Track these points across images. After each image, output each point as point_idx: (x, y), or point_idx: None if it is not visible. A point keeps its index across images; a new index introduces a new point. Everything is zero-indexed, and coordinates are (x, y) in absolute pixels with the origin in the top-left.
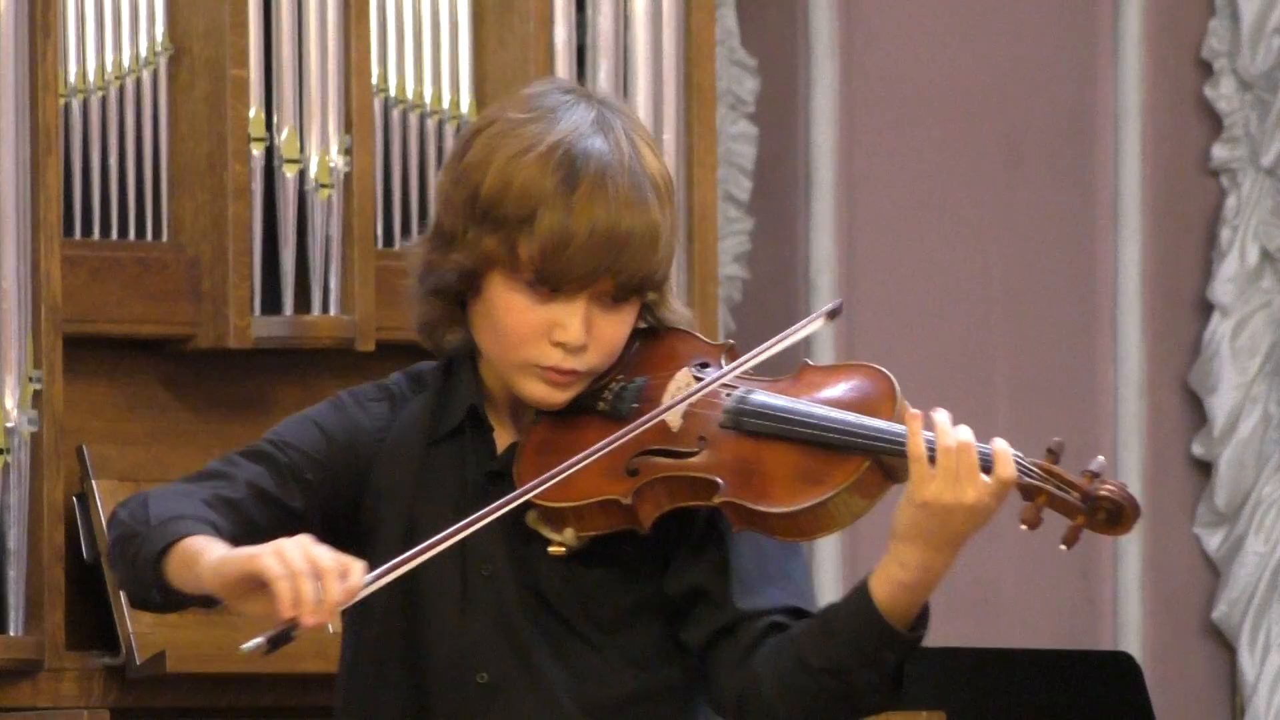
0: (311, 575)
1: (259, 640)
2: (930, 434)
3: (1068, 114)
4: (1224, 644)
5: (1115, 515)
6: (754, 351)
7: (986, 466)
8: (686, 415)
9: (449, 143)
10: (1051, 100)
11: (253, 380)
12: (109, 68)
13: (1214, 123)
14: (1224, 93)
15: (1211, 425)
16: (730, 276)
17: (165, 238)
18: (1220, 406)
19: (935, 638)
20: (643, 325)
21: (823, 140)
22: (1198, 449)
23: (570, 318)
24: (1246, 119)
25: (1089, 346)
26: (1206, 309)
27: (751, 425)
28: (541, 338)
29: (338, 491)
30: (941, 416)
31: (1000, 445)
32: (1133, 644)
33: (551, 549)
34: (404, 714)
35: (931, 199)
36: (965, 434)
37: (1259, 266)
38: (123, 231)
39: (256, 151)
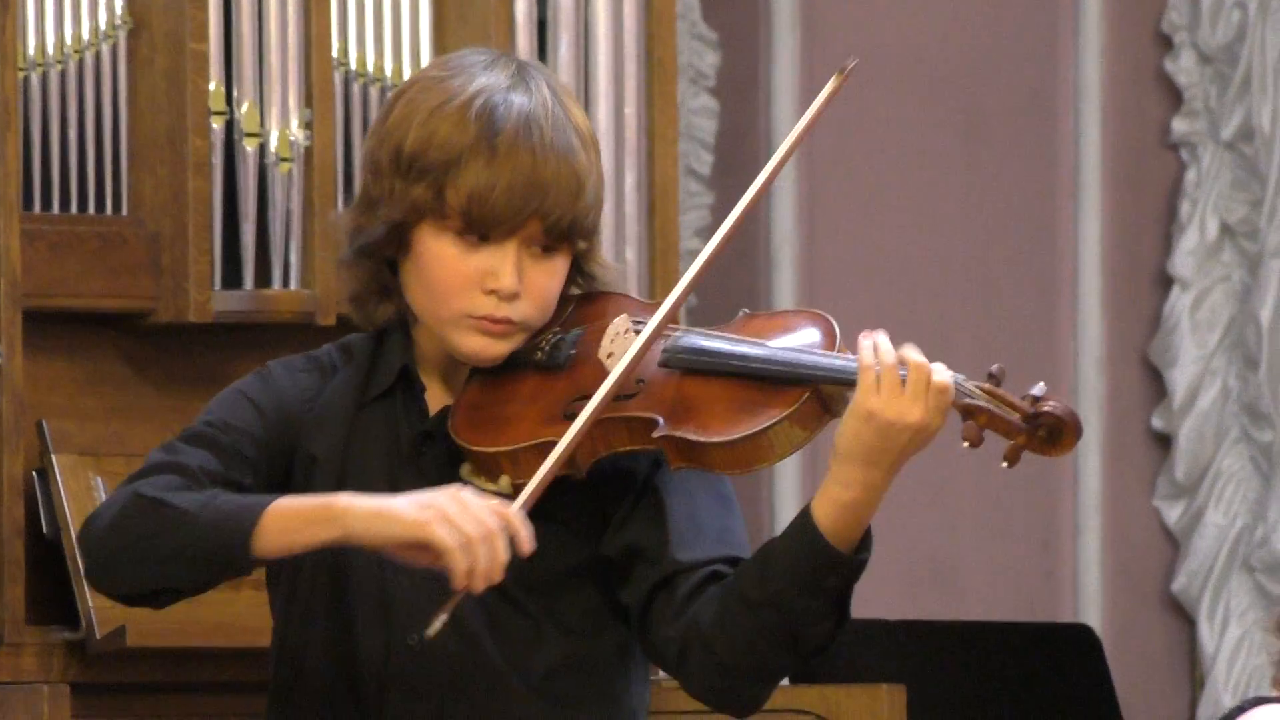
0: (483, 540)
1: (441, 620)
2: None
3: (1028, 88)
4: (1183, 616)
5: (1055, 432)
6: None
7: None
8: (618, 365)
9: None
10: (1012, 74)
11: (213, 355)
12: (68, 41)
13: (1174, 96)
14: (1184, 66)
15: (1171, 398)
16: (691, 250)
17: (125, 212)
18: (1180, 379)
19: (895, 611)
20: (575, 291)
21: (784, 114)
22: (1157, 422)
23: (501, 263)
24: (1206, 93)
25: (1049, 320)
26: (1166, 282)
27: (690, 362)
28: (474, 287)
29: (274, 463)
30: (883, 338)
31: (938, 365)
32: (1093, 616)
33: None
34: (334, 679)
35: (892, 174)
36: (914, 351)
37: (1219, 240)
38: (82, 206)
39: (216, 125)
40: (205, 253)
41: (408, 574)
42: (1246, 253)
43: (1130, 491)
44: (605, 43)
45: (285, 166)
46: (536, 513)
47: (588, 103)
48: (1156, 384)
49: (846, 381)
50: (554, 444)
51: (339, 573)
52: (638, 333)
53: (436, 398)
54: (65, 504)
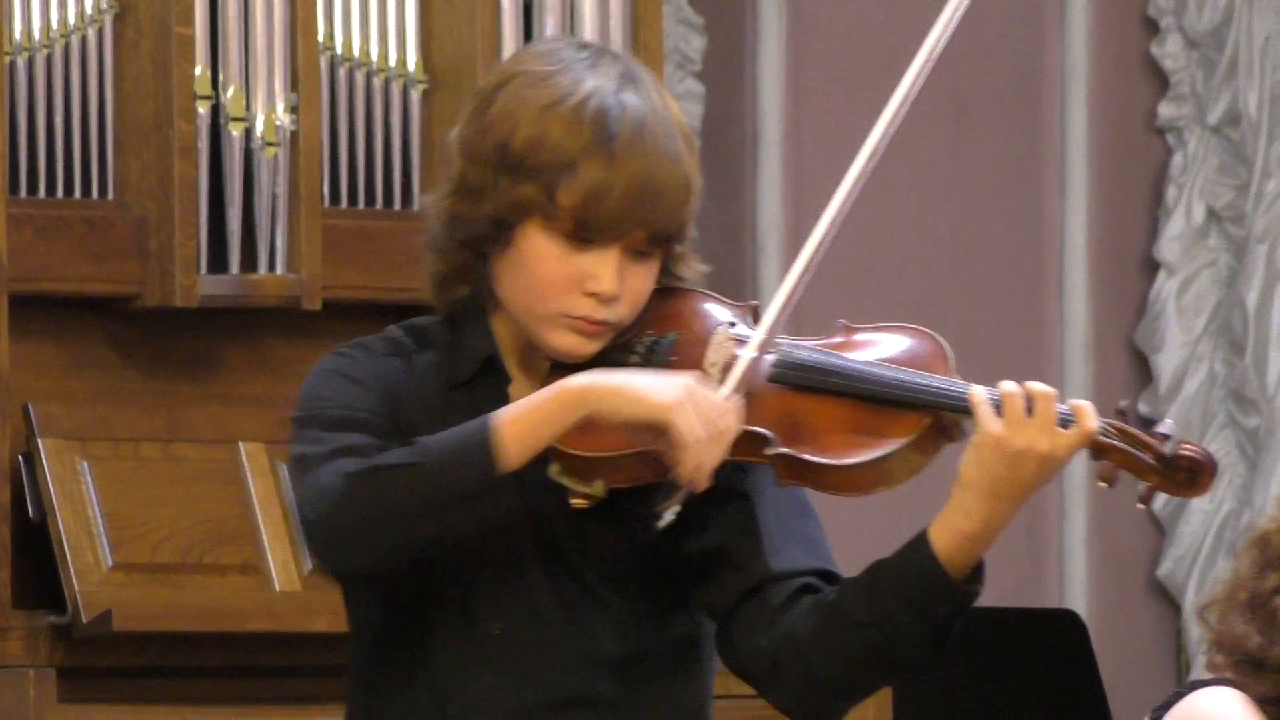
0: (716, 440)
1: (672, 511)
2: (994, 390)
3: (1015, 72)
4: (1169, 602)
5: (1194, 474)
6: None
7: (1066, 421)
8: (725, 370)
9: (395, 101)
10: (998, 59)
11: (199, 339)
12: (54, 25)
13: (1160, 81)
14: (1170, 51)
15: (1157, 383)
16: None
17: (111, 196)
18: (1166, 365)
19: None
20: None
21: (770, 99)
22: (1143, 407)
23: (604, 268)
24: (1193, 77)
25: (1035, 305)
26: (1152, 267)
27: (804, 380)
28: (574, 288)
29: (394, 433)
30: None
31: (1081, 401)
32: (1078, 602)
33: (575, 500)
34: (414, 665)
35: (878, 157)
36: (1039, 385)
37: (1205, 225)
38: (68, 190)
39: (202, 110)
40: (191, 237)
41: (489, 562)
42: (1233, 238)
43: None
44: (591, 27)
45: (271, 151)
46: (616, 506)
47: None
48: (1142, 369)
49: (964, 409)
50: (657, 454)
51: (420, 582)
52: (737, 340)
53: (515, 389)
54: (51, 488)
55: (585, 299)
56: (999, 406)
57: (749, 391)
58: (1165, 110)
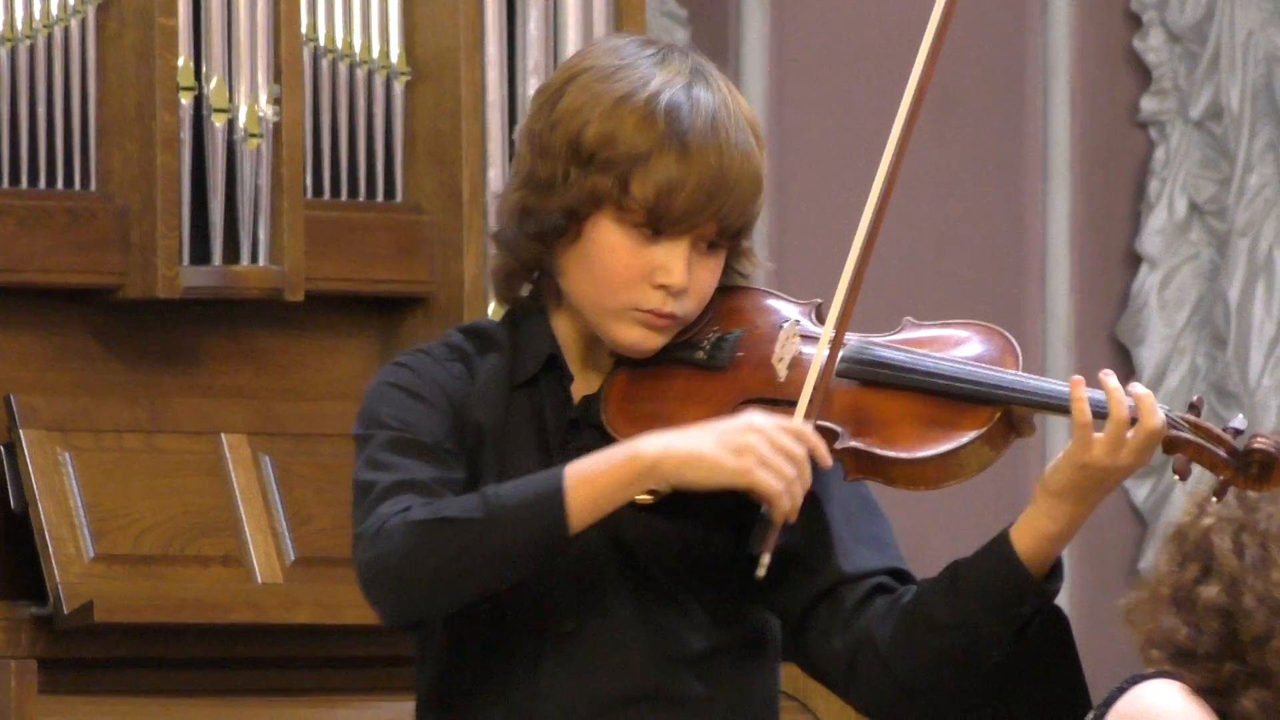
0: (799, 476)
1: (767, 559)
2: (1097, 396)
3: (997, 66)
4: None
5: (1267, 468)
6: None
7: (1133, 419)
8: (792, 365)
9: (378, 92)
10: (981, 52)
11: (181, 330)
12: (37, 16)
13: (1143, 75)
14: (1153, 45)
15: (1139, 377)
16: None
17: (94, 187)
18: (1148, 358)
19: None
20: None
21: (753, 92)
22: None
23: (674, 260)
24: (1175, 71)
25: (1018, 298)
26: (1135, 261)
27: (873, 374)
28: (643, 280)
29: (462, 448)
30: (1113, 381)
31: (1147, 409)
32: (1061, 596)
33: (640, 498)
34: (490, 666)
35: (861, 151)
36: (1123, 408)
37: (1187, 219)
38: (51, 181)
39: (185, 101)
40: (174, 228)
41: (558, 579)
42: (1215, 231)
43: None
44: (574, 19)
45: (254, 142)
46: (683, 505)
47: None
48: (1125, 362)
49: (1040, 405)
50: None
51: None
52: (803, 337)
53: (577, 386)
54: (33, 479)
55: (654, 291)
56: (1099, 414)
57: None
58: (1148, 104)
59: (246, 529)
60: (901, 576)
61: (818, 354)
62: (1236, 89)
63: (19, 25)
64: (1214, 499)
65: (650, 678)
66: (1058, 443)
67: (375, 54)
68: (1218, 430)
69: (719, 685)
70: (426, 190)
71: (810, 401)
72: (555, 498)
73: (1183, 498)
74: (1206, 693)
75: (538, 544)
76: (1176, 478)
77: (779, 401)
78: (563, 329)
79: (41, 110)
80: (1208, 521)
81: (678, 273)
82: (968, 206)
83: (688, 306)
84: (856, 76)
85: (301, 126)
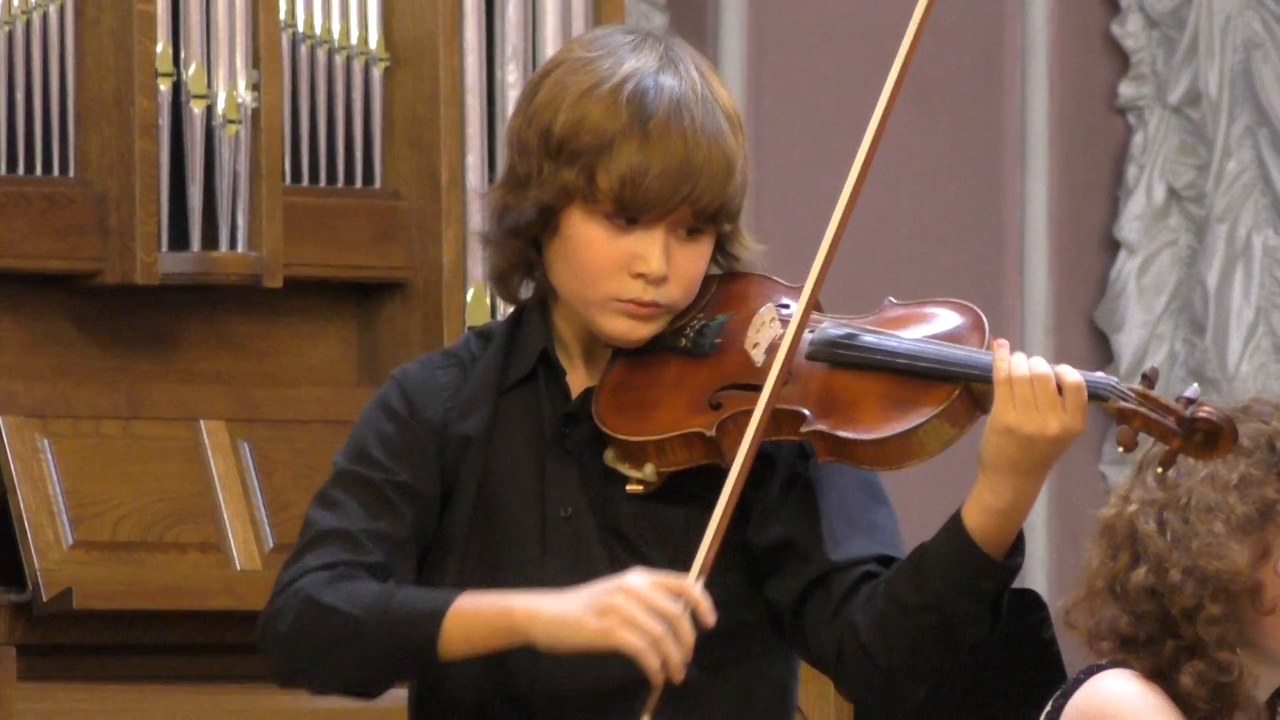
0: (669, 633)
1: (646, 715)
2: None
3: (975, 51)
4: None
5: (1212, 437)
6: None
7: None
8: (769, 350)
9: (357, 78)
10: (959, 38)
11: (160, 316)
12: (15, 2)
13: (1121, 60)
14: (1131, 30)
15: (1118, 363)
16: None
17: (72, 173)
18: (1126, 344)
19: None
20: (716, 271)
21: (731, 78)
22: None
23: (650, 248)
24: (1154, 57)
25: (996, 284)
26: (1113, 247)
27: (840, 356)
28: (621, 270)
29: (424, 471)
30: (1018, 356)
31: (1064, 367)
32: (1039, 581)
33: (630, 486)
34: (481, 660)
35: (839, 137)
36: (1040, 365)
37: (1165, 204)
38: (29, 166)
39: (164, 87)
40: (152, 214)
41: (556, 553)
42: (1193, 217)
43: (1076, 456)
44: (553, 4)
45: (232, 129)
46: (678, 491)
47: (534, 65)
48: (1103, 348)
49: (988, 380)
50: (701, 434)
51: (492, 561)
52: (783, 320)
53: (578, 380)
54: (12, 465)
55: (633, 281)
56: (1013, 392)
57: (790, 370)
58: (1126, 90)
59: (225, 515)
60: (890, 563)
61: (775, 334)
62: (1215, 74)
63: None
64: (1160, 469)
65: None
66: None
67: (354, 40)
68: (1166, 400)
69: (721, 672)
70: (405, 176)
71: (720, 517)
72: (433, 624)
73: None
74: (1156, 677)
75: (406, 663)
76: (1121, 449)
77: (756, 387)
78: (563, 323)
79: (20, 96)
80: (1131, 509)
81: (654, 260)
82: (946, 192)
83: (672, 294)
84: (834, 61)
85: (280, 112)
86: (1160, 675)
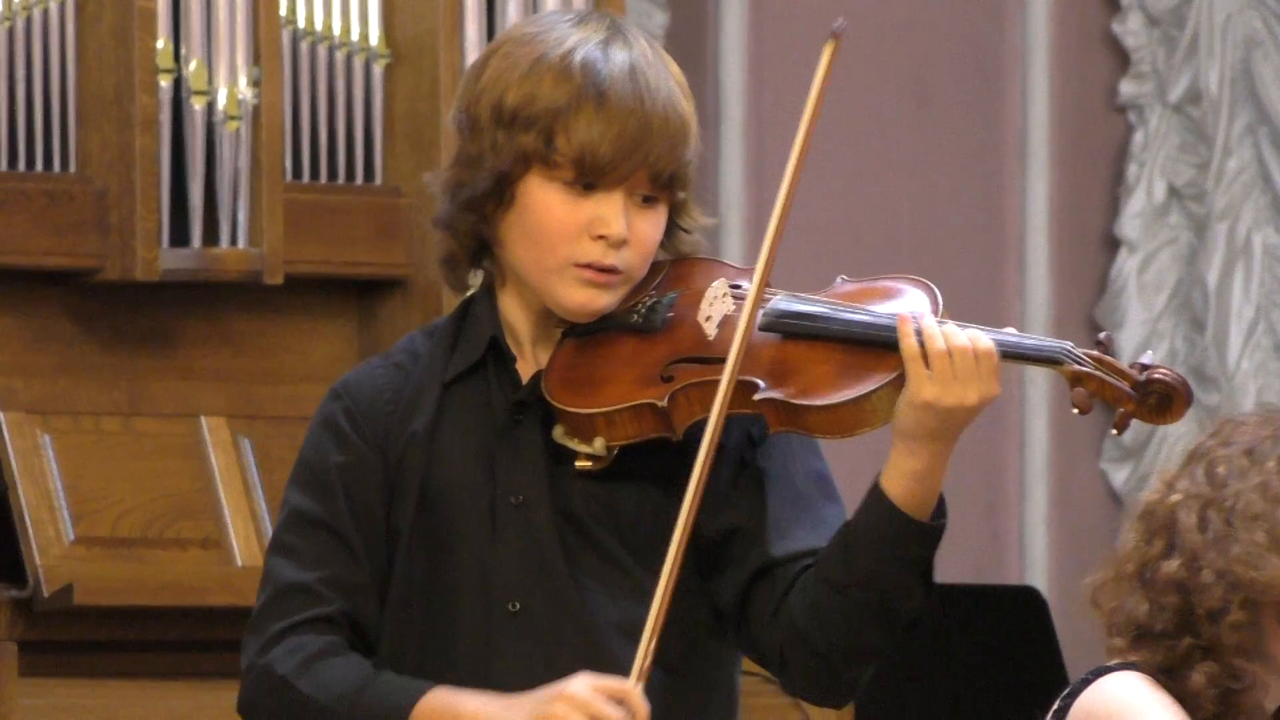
0: None
1: None
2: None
3: (976, 50)
4: None
5: (1166, 399)
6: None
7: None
8: (722, 324)
9: (358, 75)
10: (959, 36)
11: (160, 313)
12: None
13: (1121, 58)
14: (1131, 28)
15: (1118, 361)
16: None
17: (72, 169)
18: (1127, 342)
19: None
20: (663, 256)
21: (732, 76)
22: None
23: (610, 210)
24: (1154, 55)
25: (997, 282)
26: (1113, 245)
27: (792, 327)
28: (581, 234)
29: (375, 486)
30: (929, 321)
31: (974, 333)
32: (1039, 579)
33: (579, 462)
34: (439, 653)
35: (840, 136)
36: (956, 336)
37: (1166, 202)
38: (29, 163)
39: (164, 83)
40: (153, 211)
41: (506, 539)
42: (1193, 215)
43: (1077, 454)
44: (553, 3)
45: (233, 125)
46: (630, 474)
47: None
48: None
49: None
50: (653, 405)
51: (436, 552)
52: (736, 296)
53: (527, 368)
54: (12, 461)
55: (593, 244)
56: (929, 367)
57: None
58: (1126, 88)
59: (226, 512)
60: None
61: (728, 308)
62: (1215, 73)
63: None
64: (1114, 431)
65: (604, 654)
66: (1035, 428)
67: (355, 37)
68: (1121, 365)
69: (676, 660)
70: (405, 173)
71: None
72: (409, 702)
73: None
74: (1164, 673)
75: None
76: (1076, 411)
77: (709, 360)
78: (511, 310)
79: (20, 92)
80: (1175, 498)
81: (615, 222)
82: (946, 191)
83: (629, 259)
84: (835, 61)
85: (280, 109)
86: (1169, 671)
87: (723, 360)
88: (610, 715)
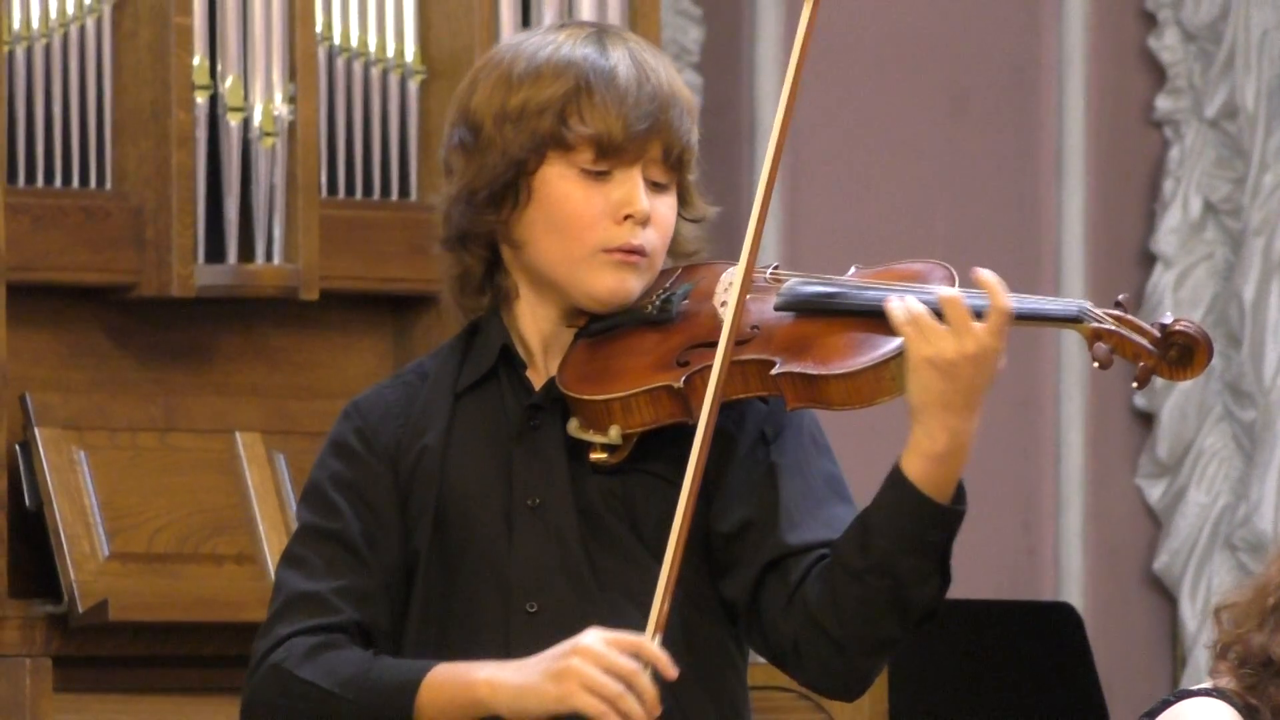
0: (627, 691)
1: None
2: (928, 300)
3: (1012, 64)
4: (1165, 595)
5: (1187, 351)
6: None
7: (979, 311)
8: (731, 303)
9: (393, 91)
10: (996, 50)
11: (196, 329)
12: (53, 15)
13: (1157, 74)
14: (1168, 44)
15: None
16: None
17: (109, 186)
18: None
19: None
20: (672, 264)
21: (767, 90)
22: (1140, 400)
23: (631, 190)
24: (1190, 70)
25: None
26: (1149, 260)
27: (807, 303)
28: (606, 218)
29: (385, 496)
30: (910, 298)
31: (985, 275)
32: (1074, 595)
33: (594, 455)
34: (449, 653)
35: (875, 149)
36: (947, 292)
37: (1201, 218)
38: (66, 179)
39: (200, 100)
40: (188, 227)
41: (526, 540)
42: (1229, 231)
43: (1112, 470)
44: (589, 17)
45: (269, 141)
46: (647, 470)
47: None
48: None
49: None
50: (669, 387)
51: (454, 561)
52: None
53: (539, 376)
54: (48, 477)
55: (621, 227)
56: (918, 328)
57: (756, 325)
58: (1163, 103)
59: (261, 527)
60: None
61: (734, 290)
62: (1251, 88)
63: (35, 24)
64: (1135, 385)
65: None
66: (1070, 443)
67: (390, 53)
68: (1140, 321)
69: (693, 658)
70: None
71: (675, 545)
72: (408, 694)
73: (1197, 497)
74: (1247, 691)
75: None
76: (1096, 365)
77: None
78: (525, 321)
79: (57, 109)
80: None
81: (638, 200)
82: (982, 206)
83: (653, 240)
84: (871, 75)
85: (316, 125)
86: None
87: (741, 343)
88: (624, 666)
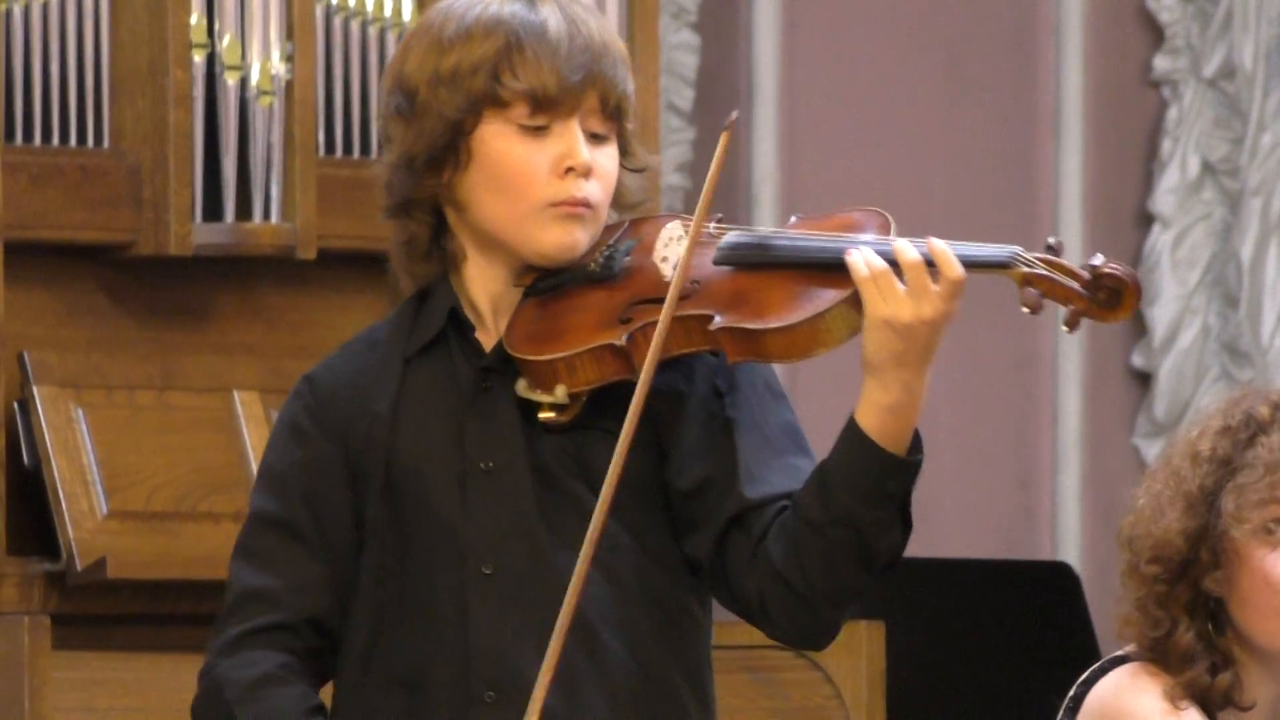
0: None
1: None
2: (884, 249)
3: (1009, 25)
4: None
5: (1115, 294)
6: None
7: (936, 275)
8: (677, 264)
9: (391, 50)
10: (993, 11)
11: (193, 287)
12: None
13: (1155, 34)
14: (1165, 3)
15: (1151, 336)
16: (673, 186)
17: (106, 144)
18: (1160, 318)
19: None
20: (617, 218)
21: (765, 50)
22: (1137, 360)
23: (571, 142)
24: (1188, 30)
25: None
26: (1147, 220)
27: (744, 257)
28: (549, 173)
29: (338, 481)
30: (901, 242)
31: (938, 245)
32: (1071, 554)
33: (542, 414)
34: (406, 618)
35: (873, 110)
36: (907, 251)
37: (1200, 178)
38: (64, 138)
39: (198, 58)
40: (186, 185)
41: (482, 501)
42: (1227, 191)
43: (1110, 429)
44: None
45: (266, 100)
46: (599, 426)
47: None
48: (1136, 322)
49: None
50: (612, 345)
51: (406, 527)
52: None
53: (489, 338)
54: (46, 435)
55: (564, 180)
56: (878, 287)
57: (696, 280)
58: (1160, 63)
59: None
60: None
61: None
62: (1250, 48)
63: None
64: (1065, 328)
65: (585, 611)
66: (1068, 403)
67: (387, 12)
68: (1070, 265)
69: (658, 615)
70: None
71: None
72: None
73: None
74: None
75: None
76: (1026, 310)
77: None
78: (473, 283)
79: (55, 67)
80: None
81: (579, 152)
82: (979, 166)
83: (595, 192)
84: (868, 35)
85: (314, 84)
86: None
87: (682, 299)
88: None
